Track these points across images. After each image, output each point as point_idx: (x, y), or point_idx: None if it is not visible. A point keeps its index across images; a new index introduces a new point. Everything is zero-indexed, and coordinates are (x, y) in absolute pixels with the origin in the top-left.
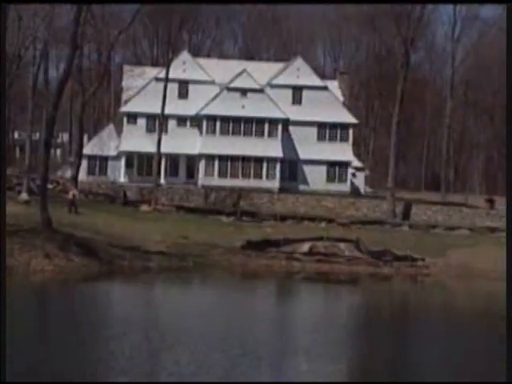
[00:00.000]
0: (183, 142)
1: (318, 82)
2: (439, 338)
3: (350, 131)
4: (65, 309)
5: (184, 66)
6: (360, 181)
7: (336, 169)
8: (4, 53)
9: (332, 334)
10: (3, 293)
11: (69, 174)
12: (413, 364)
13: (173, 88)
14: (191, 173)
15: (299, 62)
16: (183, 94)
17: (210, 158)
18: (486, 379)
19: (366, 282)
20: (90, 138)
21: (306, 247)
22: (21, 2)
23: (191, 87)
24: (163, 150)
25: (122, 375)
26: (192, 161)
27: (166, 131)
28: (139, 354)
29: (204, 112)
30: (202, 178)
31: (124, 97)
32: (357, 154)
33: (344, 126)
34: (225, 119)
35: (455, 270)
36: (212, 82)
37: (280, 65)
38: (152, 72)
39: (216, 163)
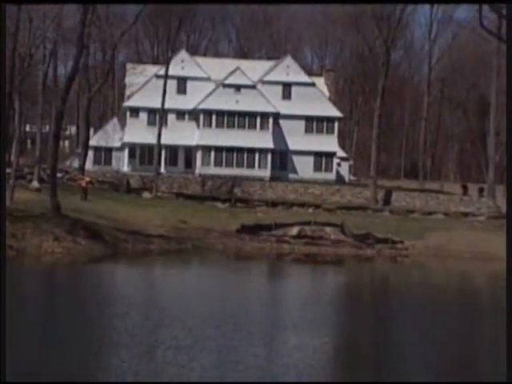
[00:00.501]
0: (182, 135)
1: (305, 78)
2: (418, 312)
3: (336, 124)
4: (73, 288)
5: (182, 64)
6: (345, 170)
7: (322, 159)
8: (4, 52)
9: (319, 310)
10: (3, 293)
11: (76, 163)
12: (393, 336)
13: (172, 84)
14: (189, 163)
15: (289, 60)
16: (182, 89)
17: (206, 148)
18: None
19: (350, 263)
20: (95, 131)
21: (295, 231)
22: (21, 2)
23: (189, 83)
24: (163, 141)
25: (125, 350)
26: (190, 151)
27: (166, 124)
28: (140, 331)
29: (201, 106)
30: (199, 168)
31: (127, 92)
32: (342, 146)
33: (330, 120)
34: (220, 113)
35: (432, 252)
36: (208, 79)
37: (271, 63)
38: (153, 69)
39: (212, 154)
